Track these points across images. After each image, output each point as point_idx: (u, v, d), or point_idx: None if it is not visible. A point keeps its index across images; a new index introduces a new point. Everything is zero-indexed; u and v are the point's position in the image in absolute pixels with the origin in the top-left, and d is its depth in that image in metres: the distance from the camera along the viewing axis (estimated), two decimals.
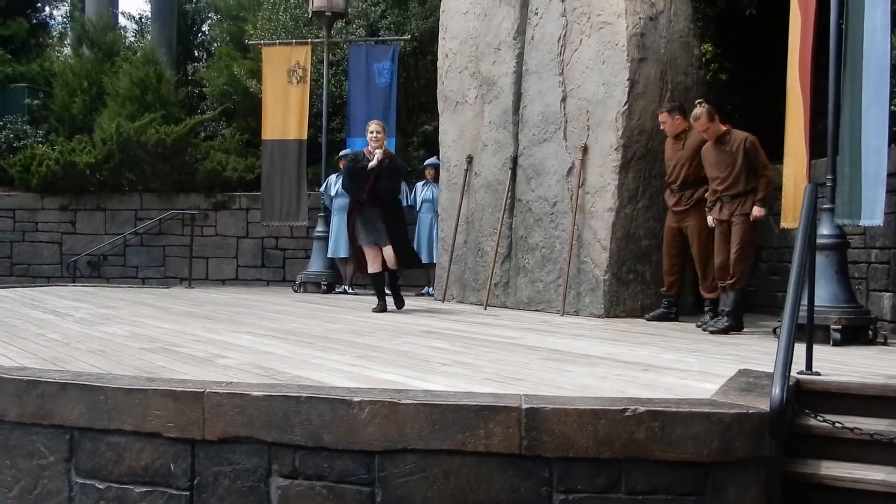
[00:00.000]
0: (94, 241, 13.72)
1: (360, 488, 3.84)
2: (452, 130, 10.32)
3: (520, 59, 9.44)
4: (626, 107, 8.38)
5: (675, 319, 7.99)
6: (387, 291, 8.84)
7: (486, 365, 5.17)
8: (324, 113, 12.11)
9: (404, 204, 11.04)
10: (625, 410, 3.71)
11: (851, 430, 4.05)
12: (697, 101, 7.47)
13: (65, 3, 21.32)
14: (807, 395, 4.45)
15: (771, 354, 4.31)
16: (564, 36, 8.93)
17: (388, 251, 8.44)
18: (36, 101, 15.87)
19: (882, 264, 7.32)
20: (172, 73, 15.62)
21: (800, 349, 4.46)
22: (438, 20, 10.94)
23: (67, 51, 19.80)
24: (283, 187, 12.24)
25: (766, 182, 7.16)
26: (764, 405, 3.77)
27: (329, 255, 11.69)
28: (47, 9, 20.54)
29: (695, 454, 3.70)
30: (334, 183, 11.41)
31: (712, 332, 7.03)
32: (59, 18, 22.11)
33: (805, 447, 4.24)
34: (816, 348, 5.02)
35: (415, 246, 10.97)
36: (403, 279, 9.56)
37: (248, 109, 14.25)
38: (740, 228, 7.13)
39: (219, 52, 15.69)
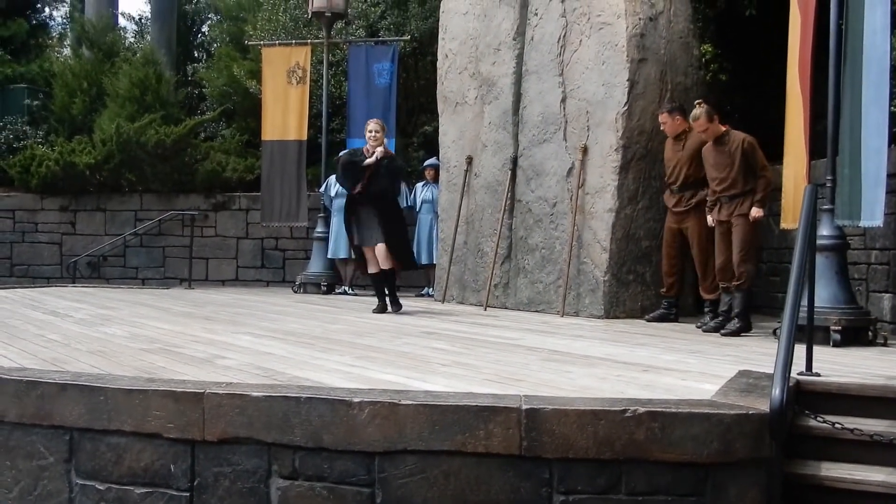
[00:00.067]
0: (93, 241, 13.71)
1: (360, 489, 3.84)
2: (452, 131, 10.32)
3: (519, 59, 9.44)
4: (625, 107, 8.38)
5: (675, 320, 7.99)
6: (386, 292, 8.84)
7: (486, 366, 5.17)
8: (324, 113, 12.11)
9: (404, 204, 11.06)
10: (625, 411, 3.71)
11: (851, 431, 4.05)
12: (697, 101, 7.47)
13: (64, 4, 21.32)
14: (807, 396, 4.45)
15: (771, 355, 4.31)
16: (564, 36, 8.93)
17: (381, 249, 8.36)
18: (36, 102, 15.85)
19: (882, 265, 7.32)
20: (172, 73, 15.61)
21: (800, 350, 4.46)
22: (438, 21, 10.94)
23: (67, 51, 19.80)
24: (282, 188, 12.23)
25: (765, 183, 7.15)
26: (764, 406, 3.77)
27: (329, 256, 11.69)
28: (47, 10, 20.53)
29: (695, 455, 3.70)
30: (334, 183, 11.39)
31: (724, 335, 6.99)
32: (59, 19, 22.14)
33: (805, 448, 4.24)
34: (816, 349, 5.02)
35: (415, 247, 10.96)
36: (402, 280, 9.57)
37: (247, 110, 14.24)
38: (741, 229, 7.12)
39: (218, 53, 15.70)
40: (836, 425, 4.08)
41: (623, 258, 8.46)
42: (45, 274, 13.82)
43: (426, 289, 11.33)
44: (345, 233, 9.25)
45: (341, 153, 11.61)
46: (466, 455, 3.76)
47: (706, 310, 7.68)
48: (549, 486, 3.74)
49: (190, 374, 4.66)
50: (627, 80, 8.37)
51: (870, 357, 5.74)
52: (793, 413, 4.25)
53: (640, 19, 8.47)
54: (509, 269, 9.44)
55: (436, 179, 10.98)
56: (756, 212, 7.11)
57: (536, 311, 8.92)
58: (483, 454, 3.75)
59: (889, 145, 6.19)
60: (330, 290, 11.58)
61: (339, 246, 11.36)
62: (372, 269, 8.57)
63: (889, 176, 6.27)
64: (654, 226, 8.47)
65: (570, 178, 8.78)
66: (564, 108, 8.88)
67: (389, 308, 8.64)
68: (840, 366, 5.17)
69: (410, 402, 3.82)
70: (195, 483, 4.02)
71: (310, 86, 12.30)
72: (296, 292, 11.66)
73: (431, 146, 12.07)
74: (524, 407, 3.74)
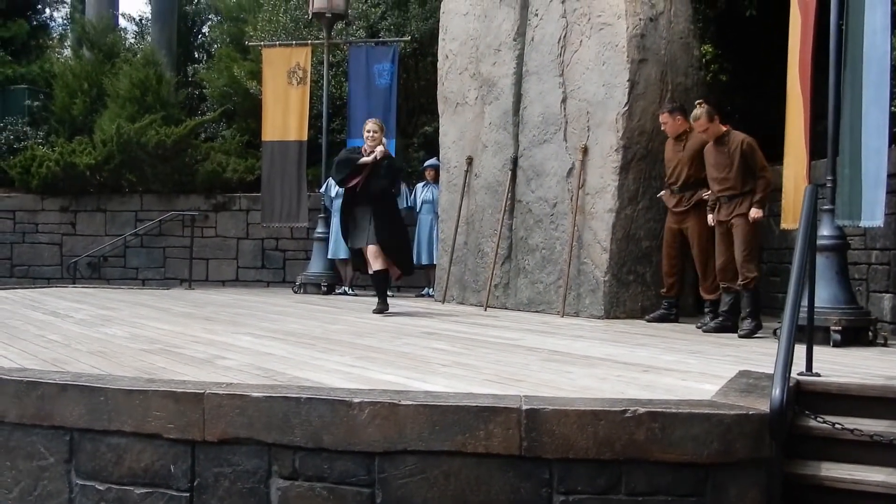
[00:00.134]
0: (94, 242, 13.72)
1: (360, 489, 3.84)
2: (452, 131, 10.32)
3: (520, 60, 9.44)
4: (626, 108, 8.38)
5: (676, 321, 7.99)
6: (389, 294, 8.83)
7: (487, 366, 5.17)
8: (324, 114, 12.11)
9: (404, 205, 11.07)
10: (625, 411, 3.71)
11: (851, 431, 4.05)
12: (697, 101, 7.47)
13: (65, 5, 21.32)
14: (807, 397, 4.44)
15: (771, 355, 4.31)
16: (564, 37, 8.93)
17: (371, 249, 8.26)
18: (36, 103, 15.86)
19: (882, 265, 7.32)
20: (172, 74, 15.62)
21: (800, 350, 4.46)
22: (438, 21, 10.95)
23: (68, 52, 19.80)
24: (283, 188, 12.24)
25: (765, 183, 7.16)
26: (764, 406, 3.77)
27: (329, 257, 11.69)
28: (47, 10, 20.53)
29: (695, 455, 3.70)
30: (334, 184, 11.40)
31: (741, 337, 6.97)
32: (60, 20, 22.14)
33: (805, 448, 4.24)
34: (816, 349, 5.02)
35: (415, 247, 10.97)
36: (402, 280, 9.54)
37: (248, 111, 14.25)
38: (741, 230, 7.12)
39: (219, 54, 15.70)
40: (837, 425, 4.08)
41: (623, 258, 8.46)
42: (45, 274, 13.82)
43: (426, 289, 11.34)
44: None
45: (341, 151, 11.66)
46: (466, 455, 3.76)
47: (706, 310, 7.68)
48: (549, 487, 3.74)
49: (190, 375, 4.66)
50: (628, 80, 8.37)
51: (870, 357, 5.74)
52: (793, 413, 4.25)
53: (640, 20, 8.47)
54: (509, 270, 9.44)
55: (436, 180, 10.99)
56: (755, 212, 7.11)
57: (537, 312, 8.92)
58: (483, 454, 3.75)
59: (889, 145, 6.19)
60: (330, 291, 11.58)
61: (339, 246, 11.34)
62: (371, 269, 8.52)
63: (889, 176, 6.27)
64: (655, 226, 8.47)
65: (570, 179, 8.78)
66: (565, 109, 8.88)
67: (391, 307, 8.61)
68: (840, 366, 5.17)
69: (410, 403, 3.82)
70: (195, 483, 4.02)
71: (310, 86, 12.31)
72: (296, 293, 11.67)
73: (432, 147, 12.07)
74: (524, 407, 3.74)
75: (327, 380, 4.54)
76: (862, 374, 4.88)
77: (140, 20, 19.83)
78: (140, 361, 5.15)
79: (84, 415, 4.16)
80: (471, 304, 9.78)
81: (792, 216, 6.79)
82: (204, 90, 15.70)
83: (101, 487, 4.13)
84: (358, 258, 8.73)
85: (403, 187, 11.20)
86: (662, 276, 8.13)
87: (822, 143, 6.78)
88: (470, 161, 9.97)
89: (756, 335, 6.97)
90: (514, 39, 9.49)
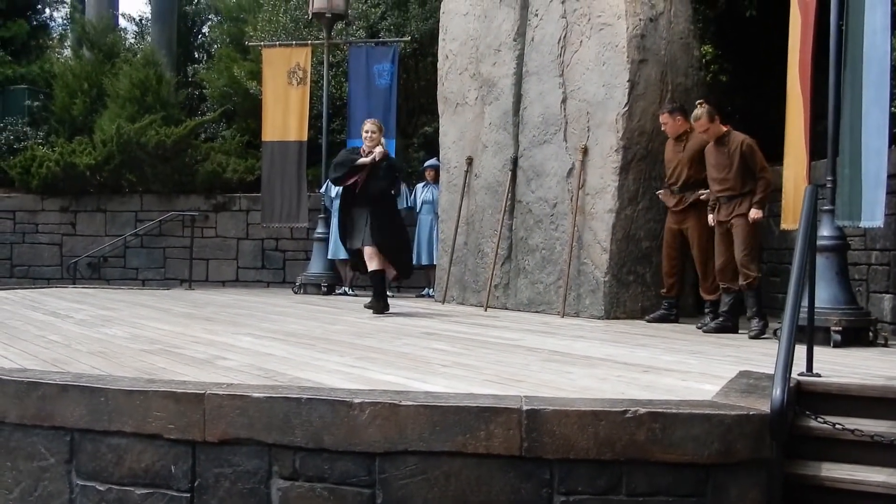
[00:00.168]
0: (94, 242, 13.72)
1: (360, 490, 3.84)
2: (452, 132, 10.32)
3: (520, 60, 9.44)
4: (626, 108, 8.38)
5: (676, 321, 7.99)
6: (389, 294, 8.83)
7: (487, 366, 5.17)
8: (324, 114, 12.11)
9: (404, 205, 11.07)
10: (625, 412, 3.71)
11: (852, 431, 4.05)
12: (698, 101, 7.47)
13: (65, 5, 21.31)
14: (807, 397, 4.44)
15: (771, 356, 4.31)
16: (565, 37, 8.93)
17: (368, 251, 8.22)
18: (36, 103, 15.86)
19: (882, 266, 7.32)
20: (173, 74, 15.61)
21: (800, 351, 4.46)
22: (438, 22, 10.95)
23: (68, 52, 19.79)
24: (283, 189, 12.24)
25: (765, 184, 7.16)
26: (765, 407, 3.77)
27: (329, 257, 11.69)
28: (47, 10, 20.52)
29: (695, 456, 3.70)
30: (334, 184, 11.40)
31: (751, 338, 6.95)
32: (60, 20, 22.12)
33: (806, 449, 4.24)
34: (817, 350, 5.02)
35: (415, 247, 10.98)
36: (402, 281, 9.54)
37: (248, 111, 14.25)
38: (741, 229, 7.13)
39: (219, 54, 15.70)
40: (837, 426, 4.08)
41: (623, 259, 8.46)
42: (45, 275, 13.82)
43: (426, 289, 11.34)
44: None
45: (340, 152, 11.66)
46: (467, 456, 3.76)
47: (706, 310, 7.68)
48: (549, 487, 3.74)
49: (190, 375, 4.66)
50: (628, 80, 8.37)
51: (870, 358, 5.74)
52: (793, 414, 4.25)
53: (640, 20, 8.47)
54: (509, 270, 9.44)
55: (436, 180, 10.99)
56: (754, 213, 7.11)
57: (537, 312, 8.92)
58: (484, 455, 3.75)
59: (889, 146, 6.19)
60: (330, 291, 11.58)
61: (339, 247, 11.30)
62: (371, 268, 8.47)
63: (889, 177, 6.27)
64: (655, 226, 8.47)
65: (570, 179, 8.78)
66: (565, 109, 8.89)
67: (391, 307, 8.61)
68: (840, 366, 5.17)
69: (411, 403, 3.82)
70: (196, 484, 4.02)
71: (310, 86, 12.30)
72: (296, 293, 11.66)
73: (432, 147, 12.07)
74: (525, 408, 3.74)
75: (328, 380, 4.54)
76: (862, 374, 4.88)
77: (140, 20, 19.85)
78: (140, 362, 5.15)
79: (84, 415, 4.16)
80: (471, 305, 9.78)
81: (792, 216, 6.80)
82: (204, 90, 15.70)
83: (101, 488, 4.13)
84: (355, 258, 8.71)
85: (403, 187, 11.20)
86: (662, 277, 8.13)
87: (823, 143, 6.78)
88: (470, 161, 9.97)
89: (765, 334, 6.94)
90: (514, 40, 9.49)
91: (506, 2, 9.62)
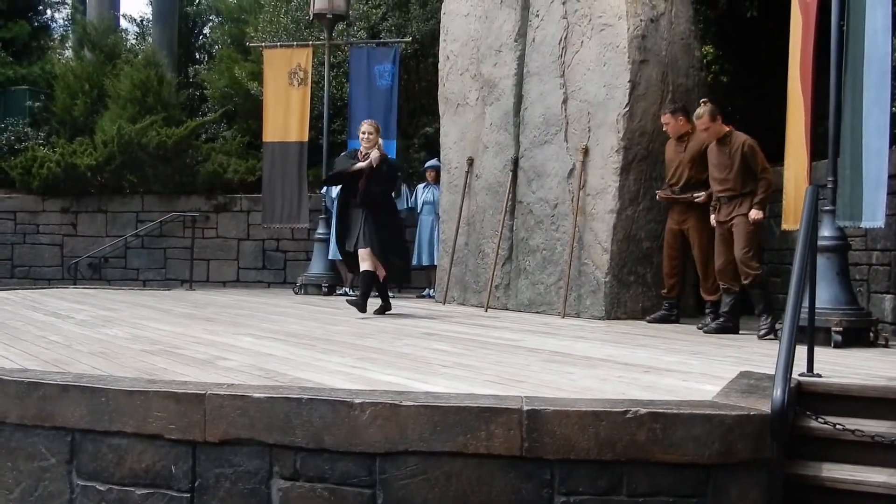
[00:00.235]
0: (95, 243, 13.72)
1: (361, 490, 3.84)
2: (453, 132, 10.32)
3: (521, 61, 9.44)
4: (626, 109, 8.38)
5: (676, 321, 7.99)
6: (391, 294, 8.82)
7: (488, 367, 5.17)
8: (325, 115, 12.11)
9: (405, 206, 11.07)
10: (626, 412, 3.71)
11: (853, 432, 4.05)
12: (702, 100, 7.48)
13: (66, 6, 21.32)
14: (808, 397, 4.44)
15: (772, 356, 4.31)
16: (565, 38, 8.93)
17: (363, 253, 8.17)
18: (37, 104, 15.86)
19: (883, 266, 7.32)
20: (173, 75, 15.61)
21: (801, 351, 4.46)
22: (439, 22, 10.95)
23: (69, 53, 19.79)
24: (284, 189, 12.23)
25: (765, 185, 7.16)
26: (765, 407, 3.77)
27: (330, 258, 11.68)
28: (49, 11, 20.54)
29: (696, 456, 3.70)
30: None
31: (760, 338, 6.92)
32: (61, 21, 22.12)
33: (806, 449, 4.24)
34: (817, 350, 5.02)
35: (415, 248, 10.98)
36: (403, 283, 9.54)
37: (249, 111, 14.25)
38: (741, 229, 7.12)
39: (220, 55, 15.71)
40: (838, 426, 4.08)
41: (624, 259, 8.46)
42: (46, 275, 13.82)
43: (427, 290, 11.34)
44: None
45: (339, 155, 11.66)
46: (468, 456, 3.76)
47: (707, 311, 7.68)
48: (550, 488, 3.74)
49: (191, 376, 4.66)
50: (629, 81, 8.37)
51: (871, 358, 5.74)
52: (794, 414, 4.24)
53: (641, 21, 8.47)
54: (510, 271, 9.44)
55: (437, 181, 10.99)
56: (755, 213, 7.11)
57: (537, 313, 8.92)
58: (484, 455, 3.75)
59: (890, 146, 6.19)
60: (331, 292, 11.58)
61: None
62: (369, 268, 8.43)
63: (890, 177, 6.27)
64: (655, 227, 8.47)
65: (571, 180, 8.78)
66: (566, 110, 8.89)
67: (391, 307, 8.61)
68: (841, 367, 5.17)
69: (412, 404, 3.82)
70: (196, 484, 4.02)
71: (311, 87, 12.30)
72: (297, 294, 11.67)
73: (432, 147, 12.07)
74: (525, 408, 3.74)
75: (328, 380, 4.54)
76: (863, 374, 4.88)
77: (141, 21, 19.84)
78: (141, 362, 5.15)
79: (85, 415, 4.16)
80: (471, 305, 9.78)
81: (793, 217, 6.79)
82: (205, 91, 15.70)
83: (102, 488, 4.13)
84: (350, 260, 8.68)
85: (404, 188, 11.22)
86: (663, 277, 8.12)
87: (823, 144, 6.78)
88: (471, 162, 9.97)
89: (771, 334, 6.87)
90: (515, 40, 9.50)
91: (507, 3, 9.62)
